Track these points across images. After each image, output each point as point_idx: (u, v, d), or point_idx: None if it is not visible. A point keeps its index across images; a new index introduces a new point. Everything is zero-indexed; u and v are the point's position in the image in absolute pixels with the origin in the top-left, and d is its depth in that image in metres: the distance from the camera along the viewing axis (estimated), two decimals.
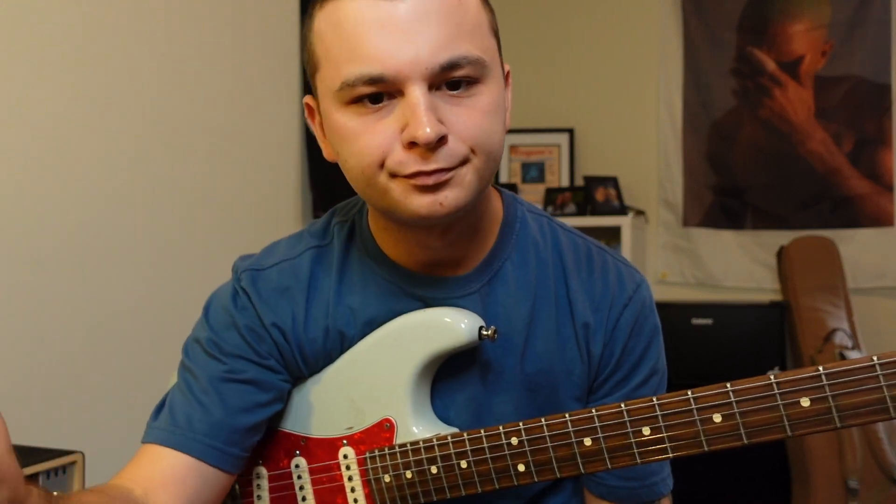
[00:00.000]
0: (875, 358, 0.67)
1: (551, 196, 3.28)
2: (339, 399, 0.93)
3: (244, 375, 0.91)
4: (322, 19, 0.80)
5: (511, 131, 3.44)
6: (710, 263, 3.30)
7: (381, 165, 0.79)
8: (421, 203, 0.79)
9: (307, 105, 0.90)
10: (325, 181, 2.47)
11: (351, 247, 0.95)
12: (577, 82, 3.48)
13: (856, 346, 2.88)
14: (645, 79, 3.41)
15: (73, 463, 1.17)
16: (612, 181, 3.25)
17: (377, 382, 0.91)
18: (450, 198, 0.79)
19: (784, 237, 3.15)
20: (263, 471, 0.98)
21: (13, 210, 1.55)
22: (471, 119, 0.79)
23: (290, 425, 0.97)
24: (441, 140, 0.76)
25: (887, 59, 3.04)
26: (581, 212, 3.20)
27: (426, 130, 0.74)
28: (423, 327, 0.89)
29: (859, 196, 3.09)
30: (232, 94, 2.16)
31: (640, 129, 3.43)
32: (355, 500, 0.92)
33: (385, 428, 0.90)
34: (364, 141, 0.79)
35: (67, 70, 1.67)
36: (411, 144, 0.76)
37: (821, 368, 0.69)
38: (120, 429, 1.72)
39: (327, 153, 0.89)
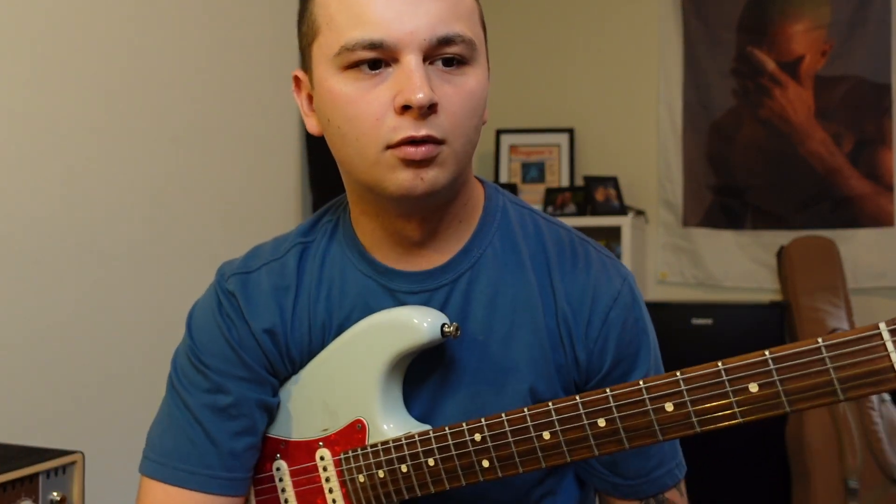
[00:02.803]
0: (820, 340, 0.66)
1: (551, 196, 3.28)
2: (314, 402, 0.94)
3: (230, 398, 0.91)
4: None
5: (511, 131, 3.46)
6: (710, 263, 3.30)
7: (375, 135, 0.80)
8: (405, 177, 0.80)
9: (295, 77, 0.92)
10: (325, 181, 2.47)
11: (332, 242, 0.96)
12: (577, 82, 3.48)
13: None
14: (645, 79, 3.41)
15: (73, 463, 1.17)
16: (612, 181, 3.25)
17: (347, 384, 0.91)
18: (430, 175, 0.80)
19: (784, 237, 3.15)
20: None
21: (13, 209, 1.55)
22: (457, 97, 0.81)
23: (271, 430, 0.97)
24: (432, 108, 0.78)
25: (887, 59, 3.04)
26: (581, 212, 3.20)
27: (419, 95, 0.76)
28: (387, 327, 0.89)
29: (859, 196, 3.09)
30: (231, 94, 2.16)
31: (640, 129, 3.43)
32: (333, 501, 0.92)
33: (357, 429, 0.91)
34: (359, 107, 0.80)
35: (67, 69, 1.67)
36: (404, 108, 0.78)
37: (767, 353, 0.69)
38: (120, 429, 1.72)
39: (311, 126, 0.89)
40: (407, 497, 0.87)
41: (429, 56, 0.80)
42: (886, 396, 2.78)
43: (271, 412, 0.96)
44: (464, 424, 0.82)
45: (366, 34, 0.78)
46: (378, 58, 0.79)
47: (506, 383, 0.91)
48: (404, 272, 0.91)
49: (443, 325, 0.87)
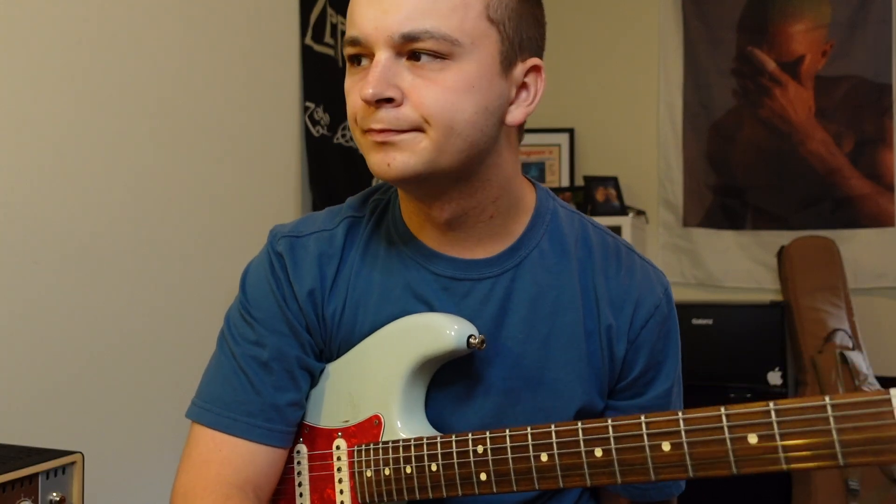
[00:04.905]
0: (827, 398, 0.64)
1: None
2: (341, 392, 0.96)
3: (272, 352, 0.94)
4: None
5: None
6: (710, 263, 3.30)
7: (356, 123, 0.86)
8: (375, 160, 0.85)
9: None
10: (325, 181, 2.47)
11: (381, 221, 0.99)
12: (577, 82, 3.48)
13: (856, 347, 2.88)
14: (645, 79, 3.41)
15: (73, 463, 1.16)
16: (612, 181, 3.25)
17: (373, 380, 0.93)
18: (398, 160, 0.83)
19: (784, 237, 3.14)
20: None
21: (13, 209, 1.55)
22: (428, 90, 0.82)
23: None
24: (390, 101, 0.82)
25: (887, 59, 3.04)
26: (581, 212, 3.20)
27: (368, 91, 0.81)
28: (417, 330, 0.91)
29: (859, 196, 3.09)
30: (233, 95, 2.16)
31: (640, 129, 3.42)
32: (341, 492, 0.94)
33: (374, 424, 0.92)
34: (348, 98, 0.87)
35: (70, 71, 1.67)
36: (365, 101, 0.83)
37: (771, 404, 0.67)
38: (120, 429, 1.72)
39: None
40: (407, 498, 0.88)
41: (401, 52, 0.82)
42: None
43: (313, 375, 0.98)
44: (469, 434, 0.83)
45: (351, 32, 0.84)
46: (360, 53, 0.85)
47: (540, 386, 0.93)
48: (449, 257, 0.94)
49: (469, 336, 0.88)
